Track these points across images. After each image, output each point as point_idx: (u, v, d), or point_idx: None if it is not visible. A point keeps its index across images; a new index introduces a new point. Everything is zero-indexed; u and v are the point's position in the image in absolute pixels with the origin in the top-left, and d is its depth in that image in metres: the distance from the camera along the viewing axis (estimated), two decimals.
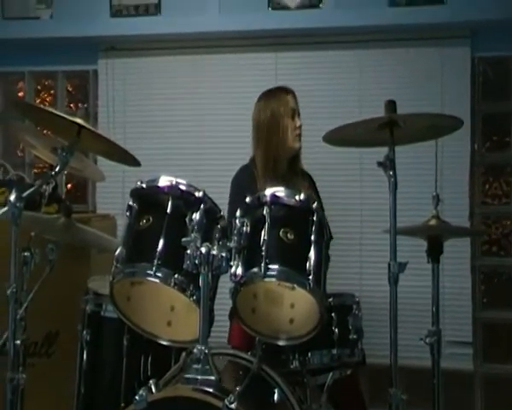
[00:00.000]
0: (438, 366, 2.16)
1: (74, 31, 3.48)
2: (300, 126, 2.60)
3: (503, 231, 3.33)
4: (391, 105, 1.89)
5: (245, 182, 2.52)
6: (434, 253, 2.18)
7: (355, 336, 2.14)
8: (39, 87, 4.02)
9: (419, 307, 2.83)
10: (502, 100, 3.34)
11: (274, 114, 2.58)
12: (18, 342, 1.76)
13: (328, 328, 2.07)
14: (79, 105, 1.90)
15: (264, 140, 2.58)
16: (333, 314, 2.10)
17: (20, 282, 1.79)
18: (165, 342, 1.92)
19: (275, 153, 2.55)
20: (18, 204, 1.74)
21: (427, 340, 2.15)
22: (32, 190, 1.81)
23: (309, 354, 2.07)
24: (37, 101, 3.93)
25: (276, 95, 2.63)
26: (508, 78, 3.32)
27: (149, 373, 2.12)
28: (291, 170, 2.59)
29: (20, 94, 3.97)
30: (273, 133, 2.56)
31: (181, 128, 3.53)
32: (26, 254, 1.86)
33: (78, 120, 1.86)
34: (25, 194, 1.77)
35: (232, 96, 3.46)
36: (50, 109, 1.92)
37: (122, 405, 2.07)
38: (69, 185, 3.97)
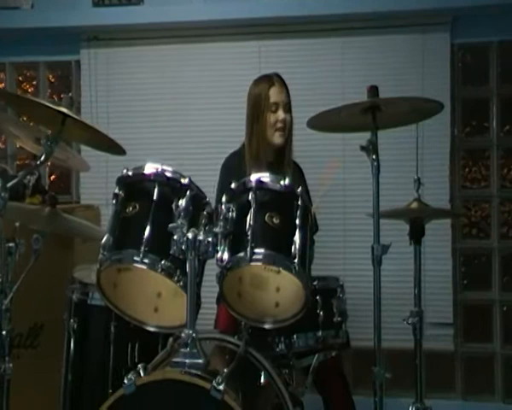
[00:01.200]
0: (420, 346, 2.20)
1: (56, 20, 3.46)
2: (284, 120, 2.55)
3: (483, 214, 3.37)
4: (373, 90, 1.91)
5: (234, 167, 2.52)
6: (416, 235, 2.21)
7: (339, 319, 2.17)
8: (21, 78, 3.97)
9: (401, 290, 2.86)
10: (481, 85, 3.38)
11: (255, 104, 2.56)
12: (4, 333, 1.75)
13: (312, 311, 2.10)
14: (63, 95, 1.89)
15: (249, 128, 2.58)
16: (317, 297, 2.13)
17: (4, 272, 1.78)
18: (152, 329, 1.93)
19: (257, 143, 2.55)
20: (2, 194, 1.72)
21: (410, 320, 2.18)
22: (16, 180, 1.79)
23: (294, 337, 2.10)
24: (19, 92, 3.89)
25: (259, 85, 2.59)
26: (487, 63, 3.35)
27: (137, 360, 2.13)
28: (278, 160, 2.58)
29: (1, 85, 3.92)
30: (254, 125, 2.56)
31: (165, 117, 3.52)
32: (10, 244, 1.84)
33: (63, 109, 1.85)
34: (9, 184, 1.75)
35: (216, 84, 3.46)
36: (35, 98, 1.90)
37: (110, 392, 2.07)
38: (53, 176, 3.94)
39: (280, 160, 2.58)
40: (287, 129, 2.57)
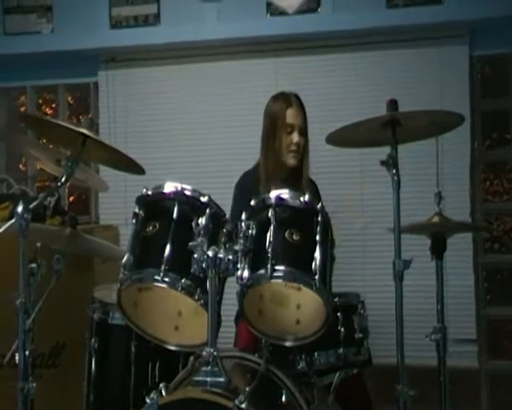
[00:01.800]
0: (444, 363, 2.17)
1: (74, 44, 3.52)
2: (298, 144, 2.53)
3: (505, 228, 3.34)
4: (392, 104, 1.90)
5: (248, 186, 2.51)
6: (438, 250, 2.19)
7: (361, 335, 2.15)
8: (41, 101, 4.05)
9: (423, 306, 2.84)
10: (501, 97, 3.36)
11: (271, 122, 2.56)
12: (27, 353, 1.76)
13: (333, 328, 2.08)
14: (82, 116, 1.92)
15: (264, 145, 2.58)
16: (338, 314, 2.12)
17: (27, 293, 1.79)
18: (172, 347, 1.92)
19: (271, 161, 2.54)
20: (25, 215, 1.75)
21: (433, 337, 2.16)
22: (37, 201, 1.82)
23: (315, 355, 2.09)
24: (39, 115, 3.95)
25: (278, 103, 2.58)
26: (506, 75, 3.33)
27: (158, 379, 2.12)
28: (293, 177, 2.57)
29: (22, 108, 3.99)
30: (269, 144, 2.55)
31: (183, 137, 3.55)
32: (32, 265, 1.85)
33: (84, 130, 1.87)
34: (31, 206, 1.77)
35: (233, 102, 3.48)
36: (57, 121, 1.93)
37: None
38: (72, 197, 3.99)
39: (295, 177, 2.57)
40: (300, 151, 2.56)
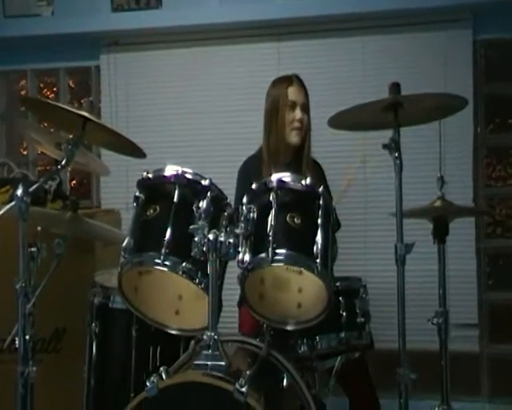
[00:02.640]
0: (445, 347, 2.16)
1: (75, 27, 3.48)
2: (301, 120, 2.53)
3: (508, 213, 3.32)
4: (395, 87, 1.89)
5: (252, 171, 2.51)
6: (440, 234, 2.18)
7: (362, 320, 2.14)
8: (41, 85, 4.02)
9: (425, 291, 2.82)
10: (504, 82, 3.32)
11: (273, 103, 2.56)
12: (27, 337, 1.75)
13: (335, 312, 2.08)
14: (83, 99, 1.91)
15: (267, 129, 2.58)
16: (340, 298, 2.11)
17: (27, 277, 1.78)
18: (173, 331, 1.92)
19: (274, 142, 2.54)
20: (25, 198, 1.73)
21: (435, 321, 2.16)
22: (37, 185, 1.81)
23: (317, 339, 2.08)
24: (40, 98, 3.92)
25: (278, 84, 2.60)
26: (510, 59, 3.30)
27: (159, 363, 2.11)
28: (296, 161, 2.57)
29: (23, 92, 3.96)
30: (272, 123, 2.55)
31: (185, 120, 3.52)
32: (32, 249, 1.84)
33: (84, 113, 1.86)
34: (31, 189, 1.76)
35: (235, 86, 3.45)
36: (57, 103, 1.92)
37: (132, 395, 2.06)
38: (73, 182, 3.98)
39: (298, 161, 2.57)
40: (304, 129, 2.55)
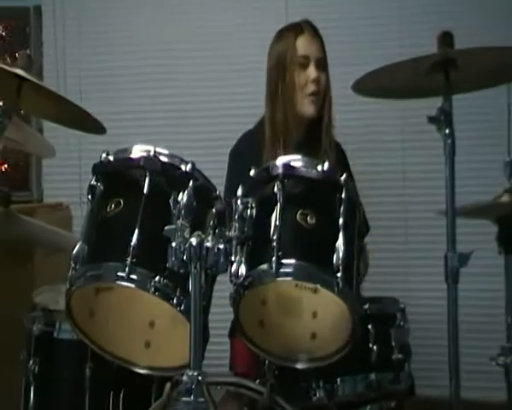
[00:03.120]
0: None
1: None
2: (317, 80, 2.55)
3: None
4: (446, 38, 1.90)
5: (248, 151, 2.54)
6: (508, 240, 2.20)
7: (400, 356, 2.16)
8: None
9: (486, 319, 2.86)
10: None
11: (278, 60, 2.58)
12: None
13: (363, 345, 2.09)
14: (19, 53, 1.92)
15: (270, 97, 2.61)
16: (369, 326, 2.12)
17: None
18: (142, 371, 1.94)
19: (281, 115, 2.56)
20: None
21: (501, 360, 2.17)
22: None
23: (338, 381, 2.09)
24: None
25: (284, 35, 2.62)
26: None
27: None
28: (309, 138, 2.60)
29: None
30: (277, 88, 2.58)
31: (159, 83, 3.57)
32: None
33: (19, 71, 1.88)
34: None
35: (227, 41, 3.52)
36: None
37: None
38: (5, 166, 4.00)
39: (313, 138, 2.59)
40: (321, 94, 2.57)
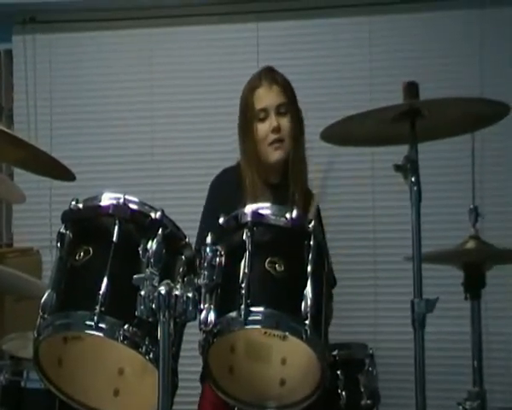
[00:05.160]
0: None
1: None
2: (278, 128, 2.53)
3: None
4: (411, 88, 1.92)
5: (228, 189, 2.54)
6: (474, 286, 2.21)
7: (369, 402, 2.17)
8: None
9: (453, 362, 2.87)
10: None
11: (242, 115, 2.62)
12: None
13: (332, 391, 2.10)
14: None
15: (240, 144, 2.63)
16: (338, 372, 2.14)
17: None
18: None
19: (249, 164, 2.57)
20: None
21: (468, 405, 2.17)
22: None
23: None
24: None
25: (243, 92, 2.63)
26: None
27: None
28: (285, 181, 2.60)
29: None
30: (244, 138, 2.60)
31: (130, 128, 3.58)
32: None
33: None
34: None
35: (201, 78, 3.53)
36: None
37: None
38: None
39: (285, 181, 2.60)
40: (285, 138, 2.56)
